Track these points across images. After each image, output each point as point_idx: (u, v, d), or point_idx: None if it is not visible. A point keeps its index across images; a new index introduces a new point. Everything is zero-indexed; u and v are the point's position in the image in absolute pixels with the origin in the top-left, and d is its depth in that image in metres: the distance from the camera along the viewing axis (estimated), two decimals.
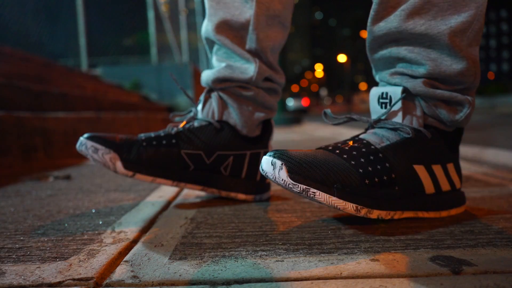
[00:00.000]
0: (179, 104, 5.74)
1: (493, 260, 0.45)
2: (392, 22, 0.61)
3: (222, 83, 0.78)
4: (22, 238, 0.58)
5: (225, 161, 0.76)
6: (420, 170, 0.59)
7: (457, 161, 0.65)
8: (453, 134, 0.65)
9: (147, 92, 5.71)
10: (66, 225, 0.65)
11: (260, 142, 0.80)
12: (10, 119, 1.51)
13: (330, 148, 0.59)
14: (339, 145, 0.60)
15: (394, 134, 0.61)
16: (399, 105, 0.61)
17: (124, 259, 0.49)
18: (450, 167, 0.63)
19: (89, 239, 0.57)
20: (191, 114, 0.79)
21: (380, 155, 0.58)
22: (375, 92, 0.65)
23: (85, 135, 0.73)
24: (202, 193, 0.86)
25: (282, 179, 0.52)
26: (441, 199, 0.62)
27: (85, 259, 0.49)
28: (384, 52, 0.64)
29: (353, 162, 0.56)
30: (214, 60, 0.81)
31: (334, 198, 0.52)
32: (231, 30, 0.77)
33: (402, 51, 0.62)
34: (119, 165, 0.71)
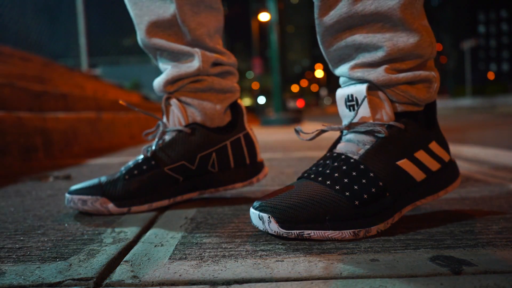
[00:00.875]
0: None
1: (493, 260, 0.45)
2: (341, 8, 0.59)
3: (174, 85, 0.77)
4: (22, 238, 0.58)
5: (209, 159, 0.76)
6: (405, 164, 0.59)
7: (438, 135, 0.64)
8: (425, 111, 0.64)
9: (147, 92, 5.71)
10: (66, 225, 0.65)
11: (236, 127, 0.78)
12: (10, 119, 1.51)
13: (312, 176, 0.58)
14: (320, 169, 0.59)
15: (368, 137, 0.60)
16: (365, 105, 0.60)
17: (124, 259, 0.49)
18: (433, 145, 0.62)
19: (89, 239, 0.57)
20: (161, 128, 0.77)
21: (362, 166, 0.57)
22: (340, 94, 0.63)
23: (70, 190, 0.73)
24: (165, 203, 0.86)
25: (274, 231, 0.53)
26: (434, 181, 0.62)
27: (85, 259, 0.49)
28: (340, 43, 0.62)
29: (337, 187, 0.55)
30: (161, 66, 0.80)
31: (329, 232, 0.53)
32: (162, 30, 0.76)
33: (357, 37, 0.60)
34: (111, 206, 0.71)
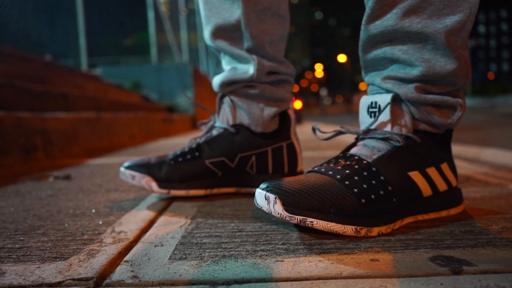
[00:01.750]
0: (179, 104, 5.74)
1: (493, 260, 0.45)
2: (388, 20, 0.60)
3: (228, 86, 0.81)
4: (22, 238, 0.58)
5: (249, 161, 0.80)
6: (415, 176, 0.59)
7: (450, 159, 0.65)
8: (443, 135, 0.65)
9: (147, 92, 5.70)
10: (66, 225, 0.65)
11: (280, 136, 0.80)
12: (10, 119, 1.51)
13: (323, 170, 0.58)
14: (331, 165, 0.59)
15: (384, 144, 0.60)
16: (387, 113, 0.61)
17: (124, 259, 0.49)
18: (445, 166, 0.63)
19: (89, 239, 0.57)
20: (211, 122, 0.83)
21: (374, 168, 0.57)
22: (364, 101, 0.64)
23: (125, 165, 0.81)
24: (201, 193, 0.86)
25: (278, 213, 0.52)
26: (439, 200, 0.62)
27: (85, 259, 0.49)
28: (378, 52, 0.63)
29: (347, 182, 0.55)
30: (223, 65, 0.84)
31: (332, 224, 0.52)
32: (226, 33, 0.79)
33: (396, 51, 0.61)
34: (154, 185, 0.78)
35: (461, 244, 0.50)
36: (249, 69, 0.78)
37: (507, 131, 2.93)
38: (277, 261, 0.47)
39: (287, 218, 0.52)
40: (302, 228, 0.59)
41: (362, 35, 0.64)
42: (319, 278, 0.42)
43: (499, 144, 1.89)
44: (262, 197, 0.54)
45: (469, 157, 1.42)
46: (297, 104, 8.85)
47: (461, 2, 0.58)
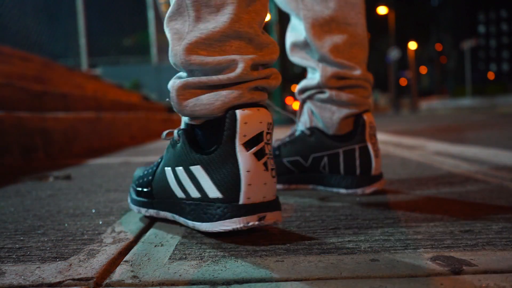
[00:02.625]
0: None
1: (493, 260, 0.45)
2: None
3: (303, 93, 0.89)
4: (22, 238, 0.59)
5: (321, 161, 0.84)
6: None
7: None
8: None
9: (147, 92, 5.70)
10: (66, 225, 0.65)
11: (353, 138, 0.82)
12: (10, 119, 1.51)
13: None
14: None
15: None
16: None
17: (124, 259, 0.49)
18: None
19: (89, 239, 0.57)
20: (295, 126, 0.92)
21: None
22: None
23: None
24: (279, 188, 0.90)
25: None
26: None
27: (85, 259, 0.49)
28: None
29: None
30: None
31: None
32: (299, 49, 0.88)
33: None
34: None
35: (461, 244, 0.50)
36: (316, 76, 0.85)
37: (507, 131, 2.93)
38: (277, 261, 0.47)
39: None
40: (302, 228, 0.59)
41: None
42: (319, 278, 0.42)
43: (499, 144, 1.89)
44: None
45: (469, 157, 1.42)
46: (296, 105, 8.86)
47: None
